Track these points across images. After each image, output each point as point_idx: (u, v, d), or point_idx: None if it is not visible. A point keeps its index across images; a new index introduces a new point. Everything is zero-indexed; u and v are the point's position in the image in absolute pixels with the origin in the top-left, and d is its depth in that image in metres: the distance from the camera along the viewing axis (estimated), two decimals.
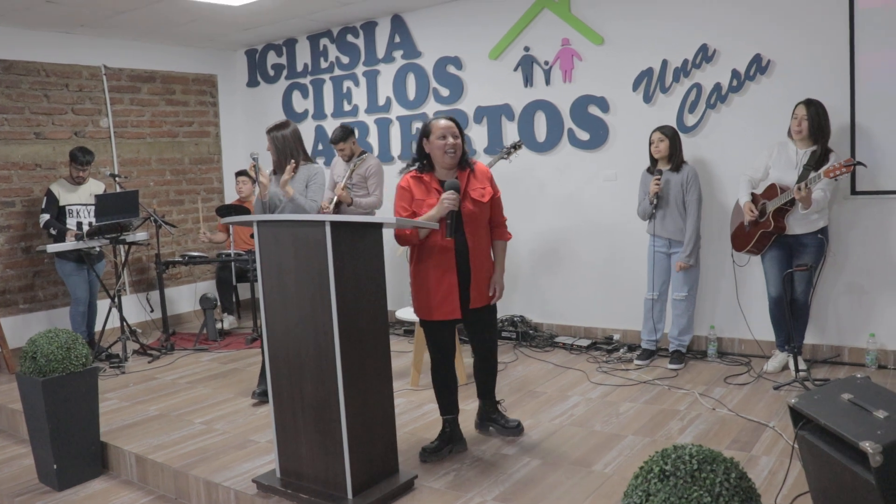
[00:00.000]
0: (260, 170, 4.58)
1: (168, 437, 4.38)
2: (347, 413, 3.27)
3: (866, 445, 2.83)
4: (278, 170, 4.68)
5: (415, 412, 4.65)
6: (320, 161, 7.31)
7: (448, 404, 3.97)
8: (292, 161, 4.55)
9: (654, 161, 5.27)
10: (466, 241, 3.72)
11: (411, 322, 5.77)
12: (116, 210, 6.02)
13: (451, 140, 3.67)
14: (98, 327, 6.46)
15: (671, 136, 5.19)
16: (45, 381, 3.93)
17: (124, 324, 6.15)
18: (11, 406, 5.01)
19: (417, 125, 6.84)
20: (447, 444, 3.91)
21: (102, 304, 6.44)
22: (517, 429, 4.12)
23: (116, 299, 6.13)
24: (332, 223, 3.22)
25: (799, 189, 4.50)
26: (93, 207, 6.13)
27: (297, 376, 3.44)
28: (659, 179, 5.13)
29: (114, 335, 6.76)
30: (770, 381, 4.77)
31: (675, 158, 5.19)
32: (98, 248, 6.24)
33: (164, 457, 4.06)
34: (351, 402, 3.28)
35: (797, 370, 4.65)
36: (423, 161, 3.78)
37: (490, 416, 4.20)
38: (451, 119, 3.75)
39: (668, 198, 5.19)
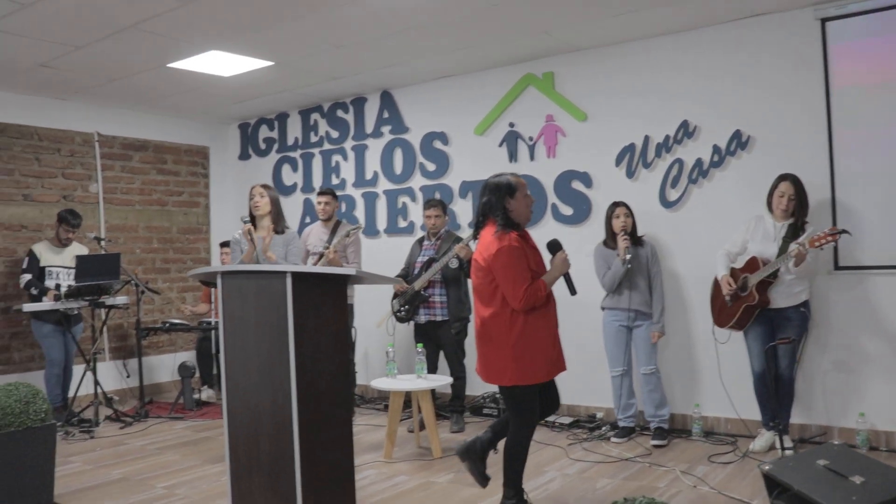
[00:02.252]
0: (252, 233, 4.67)
1: (126, 501, 4.23)
2: (303, 474, 3.14)
3: None
4: (259, 227, 4.76)
5: (384, 483, 4.49)
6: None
7: (522, 473, 3.78)
8: (271, 224, 4.66)
9: (612, 235, 5.27)
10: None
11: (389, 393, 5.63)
12: (97, 272, 5.99)
13: (531, 203, 3.75)
14: (73, 392, 6.32)
15: (631, 212, 5.26)
16: None
17: (98, 388, 6.02)
18: None
19: (404, 199, 6.88)
20: None
21: (79, 369, 6.32)
22: (486, 480, 3.92)
23: (92, 363, 6.02)
24: (294, 274, 3.18)
25: (799, 246, 4.44)
26: (73, 271, 6.09)
27: (253, 433, 3.33)
28: (627, 238, 5.12)
29: (89, 400, 6.61)
30: (756, 461, 4.60)
31: (635, 233, 5.25)
32: (76, 310, 6.16)
33: None
34: (307, 463, 3.16)
35: (783, 449, 4.49)
36: (509, 219, 3.63)
37: (480, 454, 3.93)
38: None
39: (634, 271, 5.18)
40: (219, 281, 3.48)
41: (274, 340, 3.21)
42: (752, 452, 4.78)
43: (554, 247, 3.78)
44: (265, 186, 4.89)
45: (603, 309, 5.37)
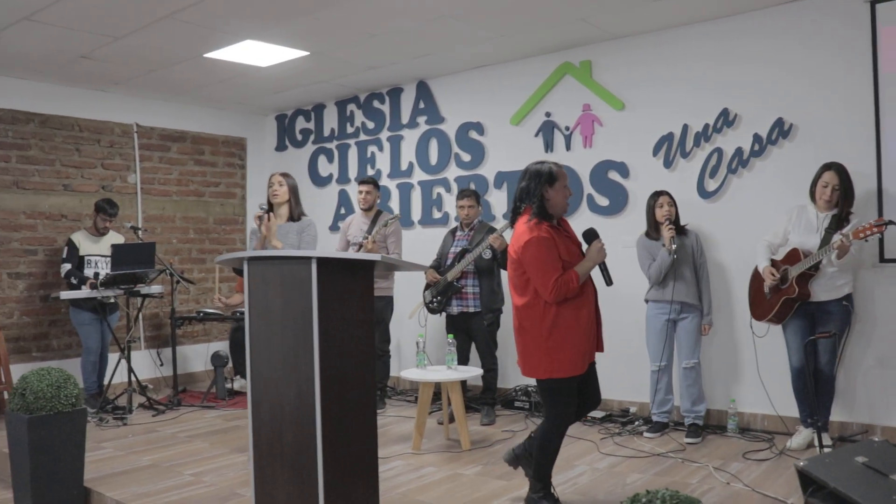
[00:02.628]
0: (269, 221, 4.64)
1: (154, 487, 4.24)
2: (325, 464, 3.09)
3: None
4: (278, 215, 4.78)
5: (411, 474, 4.45)
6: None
7: (552, 468, 3.74)
8: (270, 213, 4.65)
9: (654, 225, 5.14)
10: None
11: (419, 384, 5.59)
12: (132, 261, 6.04)
13: (568, 193, 3.70)
14: (107, 379, 6.40)
15: (673, 201, 5.14)
16: (31, 419, 3.85)
17: (132, 375, 6.09)
18: (5, 450, 4.92)
19: (438, 190, 6.82)
20: None
21: (114, 357, 6.39)
22: None
23: (126, 351, 6.09)
24: (319, 260, 3.13)
25: (843, 237, 4.29)
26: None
27: (277, 422, 3.29)
28: (672, 227, 5.00)
29: (123, 388, 6.69)
30: (793, 459, 4.45)
31: (679, 223, 5.12)
32: (113, 299, 6.23)
33: None
34: (330, 454, 3.11)
35: (821, 447, 4.34)
36: (543, 209, 3.59)
37: (527, 459, 3.89)
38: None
39: (680, 262, 5.04)
40: (245, 267, 3.46)
41: (298, 328, 3.16)
42: (788, 450, 4.63)
43: (590, 236, 3.71)
44: (284, 175, 4.85)
45: (647, 301, 5.26)
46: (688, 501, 1.99)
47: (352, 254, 3.75)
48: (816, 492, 3.03)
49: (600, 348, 3.74)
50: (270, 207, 4.80)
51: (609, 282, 3.74)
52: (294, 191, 4.80)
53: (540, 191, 3.57)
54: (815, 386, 4.56)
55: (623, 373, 5.61)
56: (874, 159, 4.76)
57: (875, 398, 4.79)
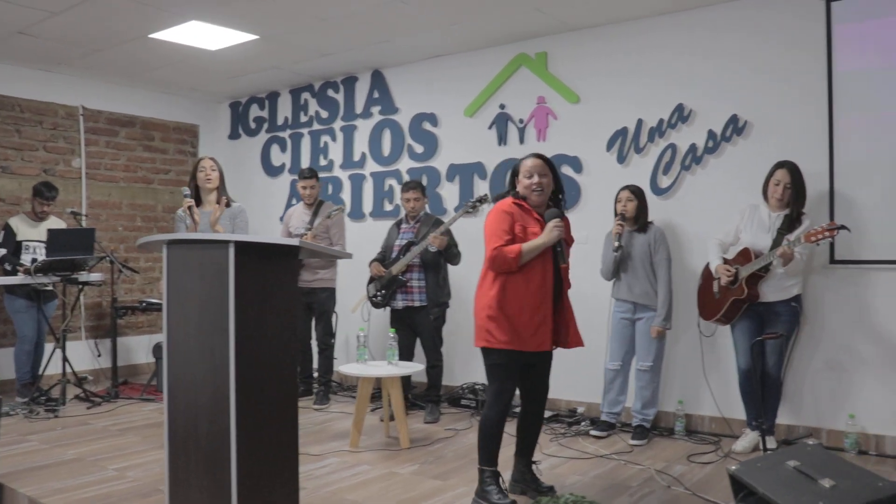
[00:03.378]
0: (194, 209, 4.54)
1: (73, 482, 4.03)
2: (239, 456, 2.93)
3: None
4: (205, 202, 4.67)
5: (344, 472, 4.29)
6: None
7: (497, 453, 3.68)
8: (223, 197, 4.53)
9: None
10: (561, 280, 3.66)
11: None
12: (69, 247, 5.81)
13: (536, 179, 3.63)
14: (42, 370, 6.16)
15: (640, 195, 4.97)
16: None
17: (66, 366, 5.85)
18: None
19: (391, 181, 6.67)
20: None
21: (51, 347, 6.15)
22: (551, 491, 3.77)
23: (61, 341, 5.86)
24: (237, 244, 2.97)
25: (788, 244, 4.23)
26: None
27: (192, 413, 3.11)
28: (621, 222, 4.90)
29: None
30: (737, 462, 4.36)
31: (642, 219, 4.96)
32: (50, 286, 5.99)
33: (59, 501, 3.71)
34: (244, 446, 2.94)
35: (765, 450, 4.24)
36: (517, 193, 3.71)
37: (525, 476, 3.87)
38: (540, 157, 3.68)
39: (634, 259, 4.91)
40: (164, 251, 3.28)
41: (214, 316, 2.99)
42: (734, 453, 4.53)
43: (549, 216, 3.59)
44: (214, 159, 4.76)
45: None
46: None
47: (273, 238, 3.56)
48: (748, 496, 2.93)
49: (568, 342, 3.70)
50: (195, 193, 4.70)
51: (557, 263, 3.59)
52: (223, 177, 4.72)
53: (511, 182, 3.75)
54: (761, 388, 4.47)
55: (573, 372, 5.47)
56: (827, 159, 4.68)
57: (822, 401, 4.71)
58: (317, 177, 6.04)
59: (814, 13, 4.73)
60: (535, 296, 3.54)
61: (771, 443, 4.45)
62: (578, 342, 3.74)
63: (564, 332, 3.69)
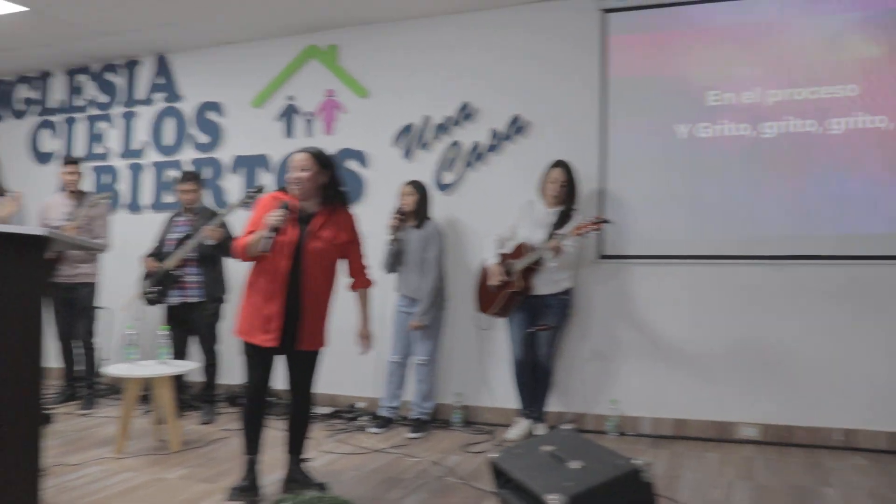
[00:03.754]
0: None
1: None
2: None
3: (550, 498, 2.58)
4: None
5: (106, 481, 3.95)
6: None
7: (257, 441, 3.63)
8: (16, 191, 4.13)
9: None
10: (302, 277, 3.51)
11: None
12: None
13: (296, 174, 3.52)
14: None
15: (421, 191, 5.01)
16: None
17: None
18: None
19: (173, 172, 6.32)
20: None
21: None
22: (321, 488, 3.61)
23: None
24: None
25: (557, 238, 4.43)
26: None
27: None
28: (399, 216, 4.92)
29: None
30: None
31: (421, 214, 5.00)
32: None
33: None
34: None
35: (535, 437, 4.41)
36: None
37: (295, 475, 3.70)
38: (308, 151, 3.56)
39: (409, 254, 4.95)
40: None
41: None
42: (507, 441, 4.66)
43: (280, 208, 3.48)
44: None
45: None
46: (334, 501, 1.82)
47: (13, 227, 3.20)
48: (506, 483, 2.99)
49: (302, 343, 3.55)
50: None
51: (264, 248, 3.42)
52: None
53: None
54: (533, 377, 4.63)
55: (352, 367, 5.41)
56: (597, 160, 4.95)
57: (589, 388, 4.97)
58: (80, 163, 5.60)
59: (591, 22, 5.02)
60: (265, 290, 3.52)
61: (542, 430, 4.61)
62: (313, 345, 3.60)
63: (300, 332, 3.56)
